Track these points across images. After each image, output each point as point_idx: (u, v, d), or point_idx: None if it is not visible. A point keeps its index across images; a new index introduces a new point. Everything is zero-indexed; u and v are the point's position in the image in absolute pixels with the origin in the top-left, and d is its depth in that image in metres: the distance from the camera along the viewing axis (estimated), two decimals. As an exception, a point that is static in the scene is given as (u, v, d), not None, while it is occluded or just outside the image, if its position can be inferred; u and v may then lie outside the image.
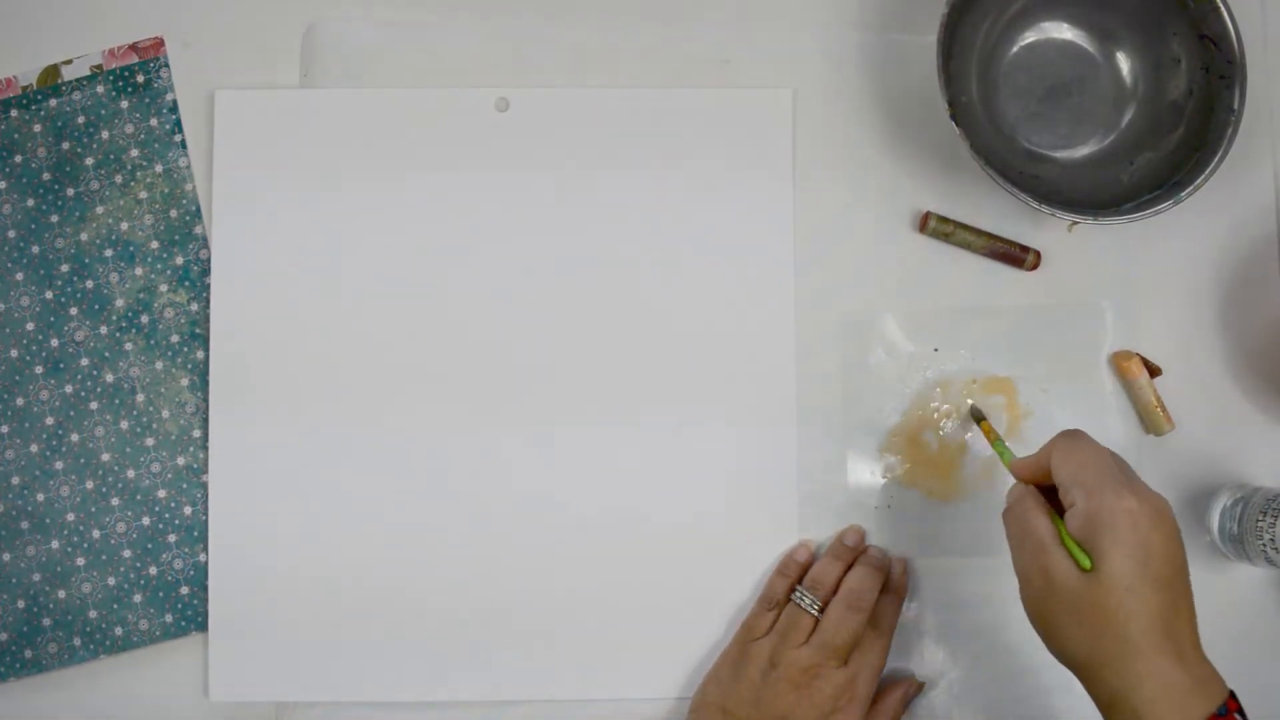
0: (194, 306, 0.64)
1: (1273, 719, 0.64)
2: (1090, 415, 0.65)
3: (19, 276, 0.64)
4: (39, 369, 0.64)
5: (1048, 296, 0.65)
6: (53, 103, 0.65)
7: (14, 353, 0.64)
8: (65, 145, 0.65)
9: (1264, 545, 0.60)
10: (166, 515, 0.64)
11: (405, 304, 0.65)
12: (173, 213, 0.65)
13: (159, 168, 0.65)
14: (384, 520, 0.64)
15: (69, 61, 0.65)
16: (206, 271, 0.65)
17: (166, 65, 0.64)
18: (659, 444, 0.64)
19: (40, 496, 0.64)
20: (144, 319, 0.64)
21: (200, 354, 0.64)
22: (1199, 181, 0.61)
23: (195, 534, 0.64)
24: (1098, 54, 0.66)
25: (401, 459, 0.64)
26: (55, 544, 0.63)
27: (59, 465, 0.64)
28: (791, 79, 0.66)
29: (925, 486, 0.64)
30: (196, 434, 0.64)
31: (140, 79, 0.65)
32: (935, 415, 0.65)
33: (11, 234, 0.64)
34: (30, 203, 0.64)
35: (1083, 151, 0.66)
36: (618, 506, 0.64)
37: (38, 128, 0.65)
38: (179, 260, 0.65)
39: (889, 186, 0.66)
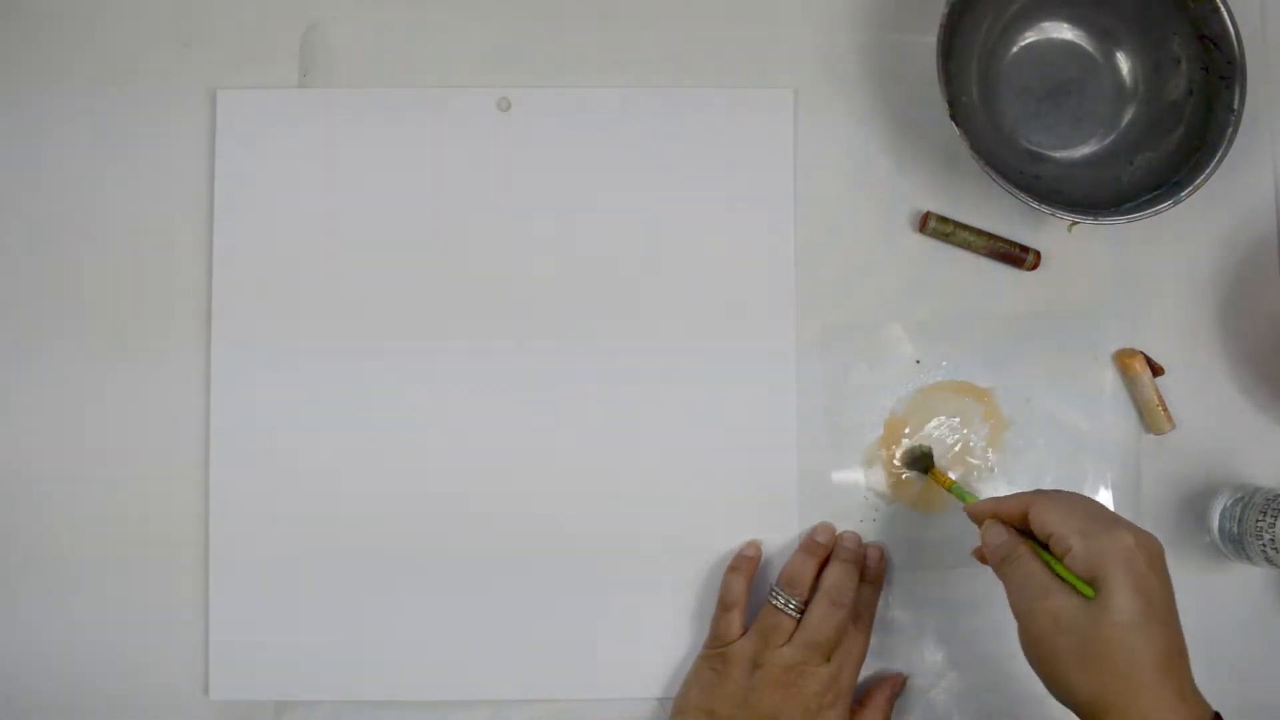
0: None
1: (1273, 717, 0.64)
2: (1090, 414, 0.65)
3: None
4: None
5: (1047, 296, 0.65)
6: None
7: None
8: None
9: (1264, 545, 0.60)
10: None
11: (406, 304, 0.65)
12: None
13: None
14: (384, 521, 0.64)
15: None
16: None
17: None
18: (657, 446, 0.64)
19: None
20: None
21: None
22: (1199, 181, 0.61)
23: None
24: (1098, 54, 0.66)
25: (404, 463, 0.64)
26: None
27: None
28: (791, 79, 0.66)
29: (908, 499, 0.64)
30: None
31: None
32: (914, 427, 0.65)
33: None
34: None
35: (1083, 151, 0.66)
36: (615, 509, 0.64)
37: None
38: None
39: (889, 186, 0.66)
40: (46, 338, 0.65)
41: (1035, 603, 0.50)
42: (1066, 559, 0.51)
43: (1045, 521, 0.52)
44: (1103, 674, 0.48)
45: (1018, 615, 0.52)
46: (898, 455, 0.64)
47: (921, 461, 0.64)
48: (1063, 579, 0.50)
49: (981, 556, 0.58)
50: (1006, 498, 0.55)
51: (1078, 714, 0.50)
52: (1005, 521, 0.55)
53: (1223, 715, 0.49)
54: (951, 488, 0.61)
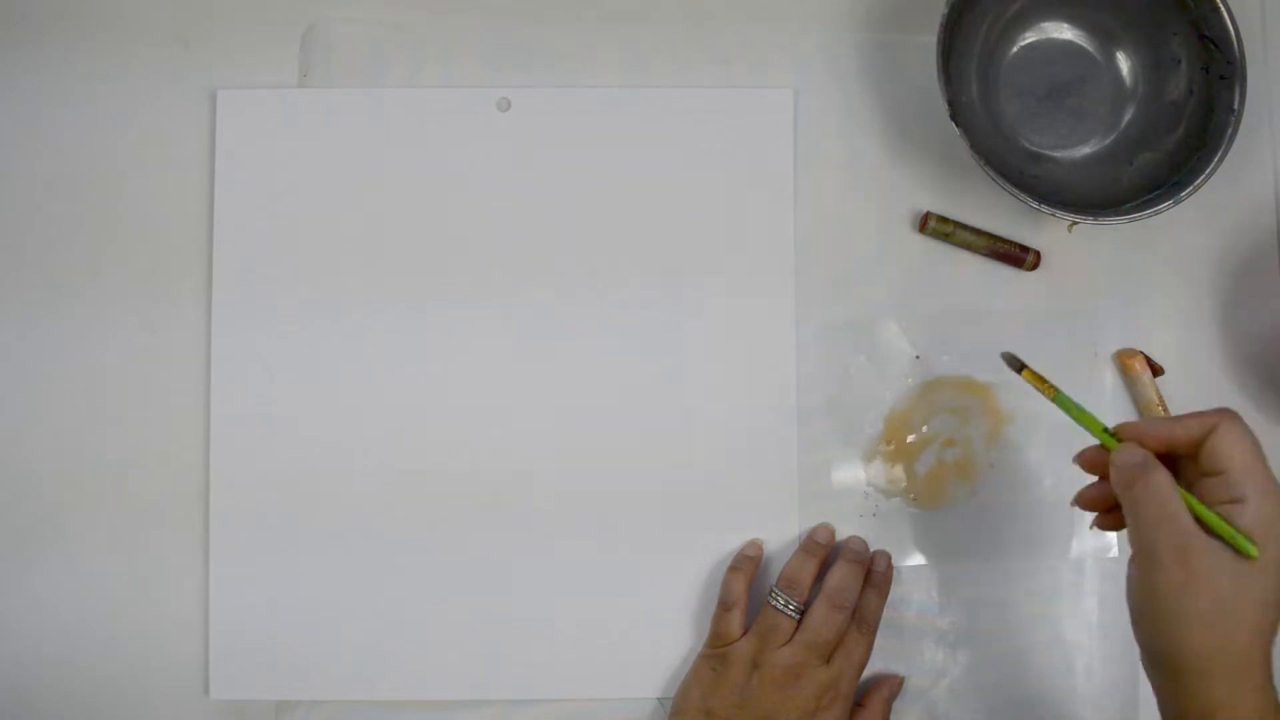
0: None
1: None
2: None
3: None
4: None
5: (1047, 296, 0.65)
6: None
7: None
8: None
9: (1264, 545, 0.59)
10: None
11: (406, 303, 0.65)
12: None
13: None
14: (384, 522, 0.64)
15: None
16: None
17: None
18: (656, 444, 0.64)
19: None
20: None
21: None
22: (1199, 181, 0.61)
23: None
24: (1098, 54, 0.66)
25: (403, 467, 0.64)
26: None
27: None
28: (791, 79, 0.66)
29: (908, 495, 0.64)
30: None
31: None
32: (914, 422, 0.65)
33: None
34: None
35: (1083, 151, 0.66)
36: (616, 509, 0.64)
37: None
38: None
39: (889, 186, 0.66)
40: (47, 337, 0.65)
41: (1170, 549, 0.45)
42: (1233, 508, 0.45)
43: (1227, 455, 0.46)
44: (1225, 638, 0.44)
45: (1140, 552, 0.46)
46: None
47: (1013, 363, 0.57)
48: (1203, 525, 0.45)
49: (1092, 466, 0.51)
50: (1179, 419, 0.48)
51: (1160, 668, 0.47)
52: (1167, 444, 0.48)
53: None
54: (1056, 398, 0.52)
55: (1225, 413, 0.47)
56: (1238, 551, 0.45)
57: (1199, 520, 0.46)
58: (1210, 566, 0.44)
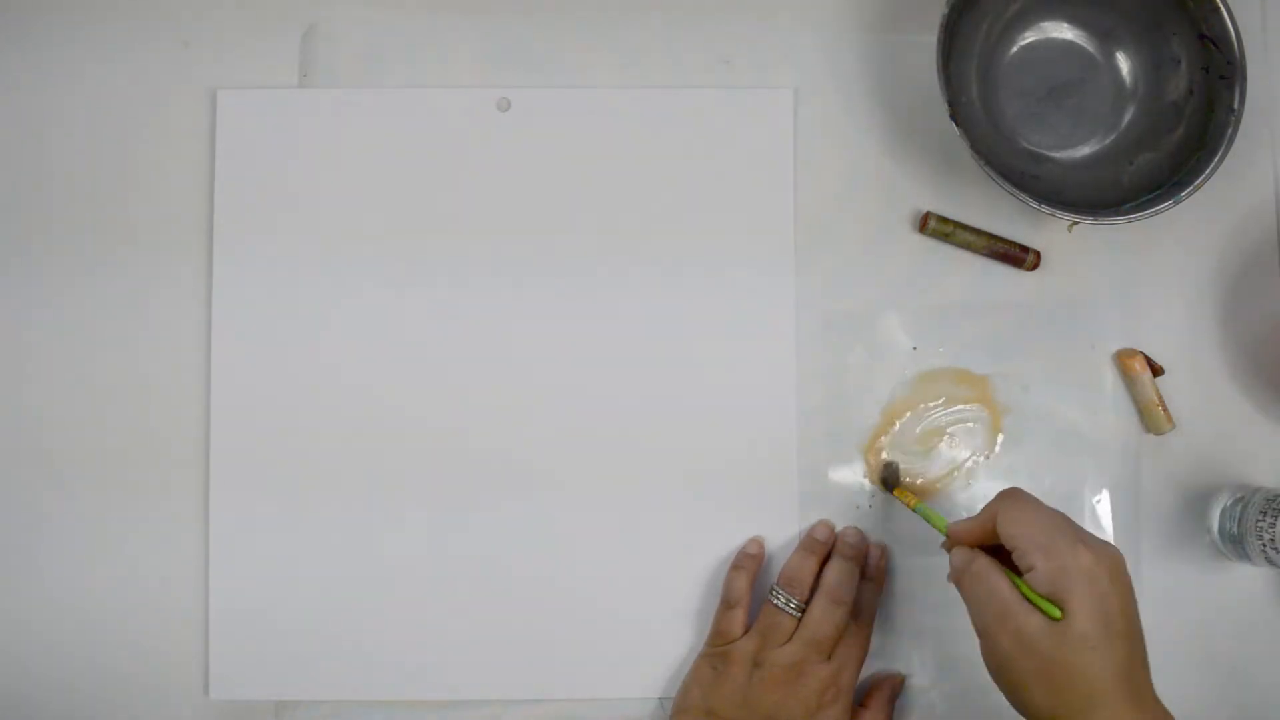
0: None
1: (1273, 718, 0.64)
2: (1089, 413, 0.65)
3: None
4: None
5: (1047, 296, 0.65)
6: None
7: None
8: None
9: (1264, 545, 0.60)
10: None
11: (406, 303, 0.65)
12: None
13: None
14: (383, 522, 0.64)
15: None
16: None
17: None
18: (657, 443, 0.64)
19: None
20: None
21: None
22: (1199, 181, 0.61)
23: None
24: (1098, 54, 0.66)
25: (403, 466, 0.64)
26: None
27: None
28: (791, 79, 0.66)
29: (903, 486, 0.64)
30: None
31: None
32: (910, 415, 0.65)
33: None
34: None
35: (1083, 151, 0.66)
36: (617, 508, 0.64)
37: None
38: None
39: (889, 186, 0.66)
40: (47, 336, 0.65)
41: (997, 622, 0.50)
42: (1028, 576, 0.50)
43: (1009, 534, 0.52)
44: (1063, 691, 0.49)
45: (979, 632, 0.52)
46: (880, 468, 0.64)
47: (888, 480, 0.64)
48: (1024, 596, 0.50)
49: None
50: (978, 516, 0.54)
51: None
52: (981, 537, 0.54)
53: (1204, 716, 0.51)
54: (916, 507, 0.60)
55: (1003, 494, 0.54)
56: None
57: (1019, 592, 0.51)
58: (1032, 631, 0.49)
